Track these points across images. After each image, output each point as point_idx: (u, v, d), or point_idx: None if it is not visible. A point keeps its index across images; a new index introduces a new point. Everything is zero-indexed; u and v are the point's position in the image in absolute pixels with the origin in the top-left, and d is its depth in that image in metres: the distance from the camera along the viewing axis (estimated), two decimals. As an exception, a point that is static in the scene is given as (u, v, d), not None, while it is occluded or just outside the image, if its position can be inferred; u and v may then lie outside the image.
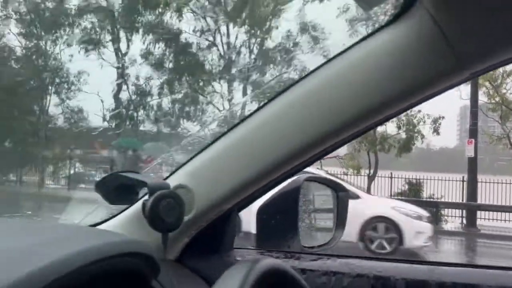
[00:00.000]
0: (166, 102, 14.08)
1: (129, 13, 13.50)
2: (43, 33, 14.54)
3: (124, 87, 14.36)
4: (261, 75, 13.17)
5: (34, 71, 14.11)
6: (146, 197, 0.80)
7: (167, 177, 0.88)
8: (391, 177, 13.09)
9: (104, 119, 14.55)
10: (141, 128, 14.64)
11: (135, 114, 14.58)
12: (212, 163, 0.86)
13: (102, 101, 14.55)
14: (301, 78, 0.82)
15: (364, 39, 0.74)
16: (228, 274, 0.48)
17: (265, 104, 0.85)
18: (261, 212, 1.02)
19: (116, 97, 14.42)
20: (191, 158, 0.88)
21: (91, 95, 14.37)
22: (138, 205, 0.84)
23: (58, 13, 14.34)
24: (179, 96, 13.81)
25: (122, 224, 0.86)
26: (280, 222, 1.02)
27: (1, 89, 12.96)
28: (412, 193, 12.06)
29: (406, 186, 12.52)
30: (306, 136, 0.81)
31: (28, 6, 14.34)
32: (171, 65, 13.70)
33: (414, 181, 12.67)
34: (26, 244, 0.51)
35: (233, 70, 13.36)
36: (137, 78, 14.31)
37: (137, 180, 0.81)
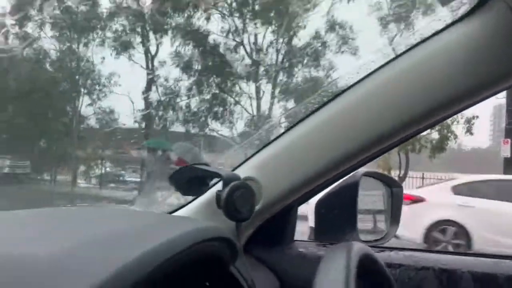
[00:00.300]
0: (194, 103, 14.26)
1: (159, 15, 13.72)
2: (76, 37, 14.92)
3: (154, 88, 14.63)
4: (289, 75, 13.16)
5: (67, 73, 14.52)
6: (218, 187, 0.84)
7: (234, 169, 0.91)
8: (423, 178, 12.86)
9: (134, 120, 14.85)
10: (170, 129, 14.86)
11: (164, 115, 14.81)
12: (278, 157, 0.89)
13: (132, 102, 14.89)
14: (368, 75, 0.84)
15: (436, 33, 0.75)
16: (330, 257, 0.50)
17: (331, 100, 0.87)
18: (319, 206, 1.04)
19: (145, 98, 14.70)
20: (258, 151, 0.92)
21: (122, 96, 14.73)
22: (208, 195, 0.88)
23: (90, 17, 14.72)
24: (207, 97, 13.95)
25: (194, 213, 0.90)
26: (339, 216, 1.04)
27: (36, 90, 13.40)
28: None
29: (439, 187, 12.25)
30: (372, 132, 0.82)
31: (62, 11, 14.75)
32: (199, 66, 13.86)
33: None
34: (130, 228, 0.55)
35: (261, 70, 13.40)
36: (166, 79, 14.55)
37: (210, 172, 0.84)
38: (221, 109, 13.89)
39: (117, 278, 0.42)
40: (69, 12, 14.69)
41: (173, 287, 0.59)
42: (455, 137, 12.98)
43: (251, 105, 13.39)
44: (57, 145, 14.42)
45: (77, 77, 14.58)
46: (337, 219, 1.04)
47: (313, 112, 0.89)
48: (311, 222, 1.08)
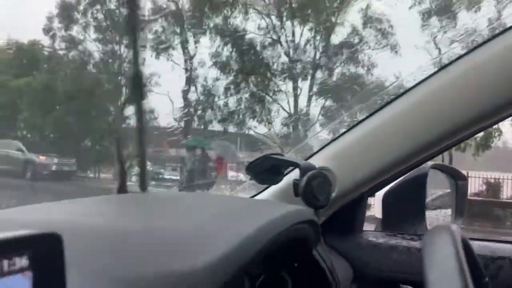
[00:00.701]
0: (232, 101, 14.40)
1: (197, 15, 13.94)
2: (117, 38, 15.38)
3: (192, 87, 14.89)
4: (327, 72, 13.05)
5: (110, 74, 15.01)
6: (291, 177, 0.88)
7: (307, 158, 0.95)
8: (467, 177, 12.43)
9: (174, 119, 15.16)
10: (208, 128, 15.07)
11: (203, 114, 15.04)
12: (351, 149, 0.92)
13: (172, 101, 15.21)
14: (442, 67, 0.85)
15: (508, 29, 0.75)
16: (435, 242, 0.51)
17: (404, 93, 0.89)
18: (387, 197, 1.06)
19: (184, 97, 14.98)
20: (329, 143, 0.95)
21: (161, 96, 15.08)
22: (283, 184, 0.93)
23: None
24: (245, 95, 14.06)
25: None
26: (407, 207, 1.06)
27: (81, 90, 13.92)
28: (491, 194, 11.40)
29: (484, 187, 11.85)
30: (443, 126, 0.84)
31: (105, 14, 15.25)
32: (237, 65, 13.97)
33: (492, 181, 11.96)
34: (237, 208, 0.60)
35: (298, 68, 13.37)
36: (205, 79, 14.77)
37: (288, 161, 0.88)
38: (258, 107, 13.96)
39: (240, 249, 0.46)
40: (111, 15, 15.18)
41: (266, 264, 0.63)
42: (500, 133, 12.50)
43: (288, 103, 13.40)
44: (101, 144, 14.92)
45: (119, 77, 15.03)
46: (406, 210, 1.06)
47: (383, 107, 0.92)
48: (378, 213, 1.10)
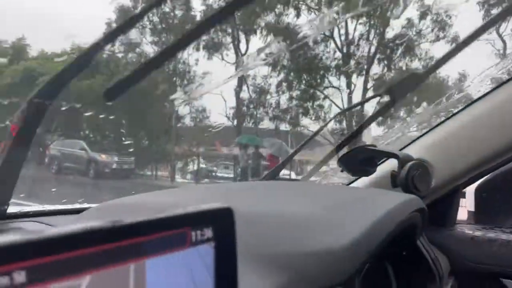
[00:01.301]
0: (284, 99, 14.40)
1: (249, 14, 14.05)
2: (172, 40, 15.79)
3: (244, 86, 15.05)
4: (382, 67, 12.72)
5: (165, 74, 15.48)
6: (383, 168, 0.88)
7: (401, 150, 0.95)
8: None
9: (227, 118, 15.42)
10: (260, 126, 15.17)
11: (254, 112, 15.16)
12: (448, 140, 0.91)
13: (224, 100, 15.47)
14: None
15: None
16: None
17: (501, 84, 0.87)
18: (480, 190, 1.04)
19: (237, 96, 15.18)
20: (423, 135, 0.94)
21: (214, 95, 15.38)
22: (378, 175, 0.93)
23: (185, 21, 15.53)
24: (297, 93, 14.00)
25: None
26: (502, 200, 1.03)
27: (138, 92, 14.46)
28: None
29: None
30: None
31: (160, 16, 15.74)
32: (289, 62, 13.95)
33: None
34: (358, 194, 0.61)
35: (352, 64, 13.12)
36: (256, 77, 14.88)
37: (385, 152, 0.89)
38: (310, 104, 13.87)
39: (371, 233, 0.48)
40: (166, 17, 15.65)
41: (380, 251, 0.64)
42: None
43: (342, 100, 13.19)
44: (157, 143, 15.43)
45: (174, 78, 15.48)
46: (500, 203, 1.03)
47: (479, 99, 0.90)
48: (469, 206, 1.08)
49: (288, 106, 14.30)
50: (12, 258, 0.20)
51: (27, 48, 16.43)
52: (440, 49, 12.28)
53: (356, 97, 13.18)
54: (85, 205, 0.82)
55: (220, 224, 0.34)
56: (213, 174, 16.44)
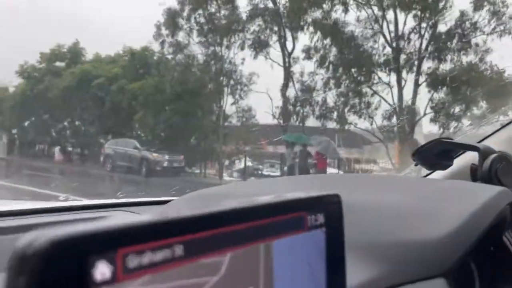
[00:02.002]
0: (331, 96, 14.23)
1: (295, 12, 13.98)
2: (218, 40, 16.04)
3: (291, 84, 15.00)
4: (435, 61, 12.24)
5: (212, 75, 15.73)
6: (458, 161, 0.85)
7: (479, 142, 0.92)
8: None
9: (273, 116, 15.43)
10: (307, 124, 15.07)
11: (301, 110, 15.08)
12: None
13: (271, 99, 15.50)
14: None
15: None
16: None
17: None
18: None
19: (283, 94, 15.16)
20: (502, 127, 0.90)
21: (261, 94, 15.46)
22: (455, 167, 0.91)
23: (231, 20, 15.69)
24: (345, 89, 13.78)
25: None
26: None
27: (187, 92, 14.80)
28: None
29: None
30: None
31: (206, 17, 15.99)
32: (336, 59, 13.76)
33: None
34: (445, 188, 0.60)
35: (402, 58, 12.74)
36: (303, 74, 14.78)
37: (464, 145, 0.86)
38: (358, 101, 13.61)
39: (468, 224, 0.47)
40: (212, 18, 15.90)
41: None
42: None
43: (392, 96, 12.84)
44: (206, 142, 15.73)
45: (221, 78, 15.69)
46: None
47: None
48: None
49: (335, 103, 14.11)
50: (173, 232, 0.22)
51: (83, 51, 17.24)
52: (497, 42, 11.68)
53: (407, 94, 12.80)
54: (164, 198, 0.85)
55: (330, 210, 0.35)
56: (259, 172, 16.55)
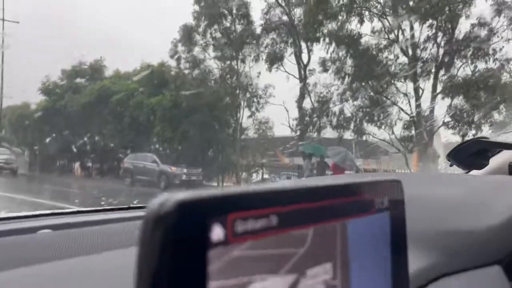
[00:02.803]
0: (348, 107, 14.18)
1: (311, 24, 14.04)
2: (234, 54, 16.19)
3: (307, 96, 15.01)
4: (452, 69, 12.10)
5: (229, 88, 15.86)
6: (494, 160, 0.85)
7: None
8: None
9: (290, 128, 15.45)
10: (324, 135, 15.02)
11: (317, 121, 15.06)
12: None
13: (287, 111, 15.54)
14: None
15: None
16: None
17: None
18: None
19: (299, 106, 15.18)
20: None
21: (277, 106, 15.51)
22: (492, 166, 0.91)
23: (246, 34, 15.85)
24: (362, 100, 13.72)
25: None
26: None
27: (204, 105, 14.94)
28: None
29: None
30: None
31: (222, 32, 16.18)
32: (352, 70, 13.74)
33: None
34: (501, 181, 0.61)
35: (419, 67, 12.64)
36: (318, 85, 14.77)
37: (504, 144, 0.86)
38: (375, 111, 13.53)
39: None
40: (227, 32, 16.08)
41: None
42: None
43: (409, 105, 12.72)
44: (223, 155, 15.79)
45: (237, 91, 15.81)
46: None
47: None
48: None
49: (352, 114, 14.04)
50: (270, 203, 0.24)
51: (104, 68, 17.60)
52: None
53: (425, 103, 12.67)
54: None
55: (394, 195, 0.36)
56: (276, 184, 16.47)
